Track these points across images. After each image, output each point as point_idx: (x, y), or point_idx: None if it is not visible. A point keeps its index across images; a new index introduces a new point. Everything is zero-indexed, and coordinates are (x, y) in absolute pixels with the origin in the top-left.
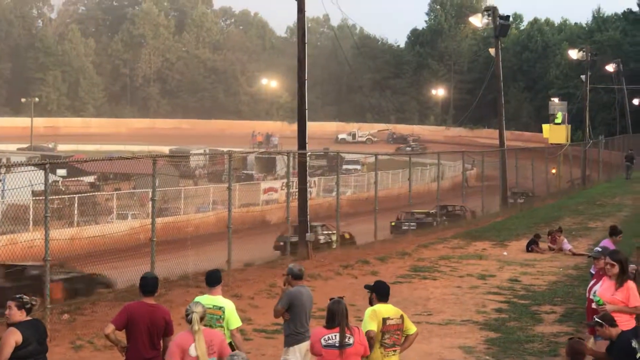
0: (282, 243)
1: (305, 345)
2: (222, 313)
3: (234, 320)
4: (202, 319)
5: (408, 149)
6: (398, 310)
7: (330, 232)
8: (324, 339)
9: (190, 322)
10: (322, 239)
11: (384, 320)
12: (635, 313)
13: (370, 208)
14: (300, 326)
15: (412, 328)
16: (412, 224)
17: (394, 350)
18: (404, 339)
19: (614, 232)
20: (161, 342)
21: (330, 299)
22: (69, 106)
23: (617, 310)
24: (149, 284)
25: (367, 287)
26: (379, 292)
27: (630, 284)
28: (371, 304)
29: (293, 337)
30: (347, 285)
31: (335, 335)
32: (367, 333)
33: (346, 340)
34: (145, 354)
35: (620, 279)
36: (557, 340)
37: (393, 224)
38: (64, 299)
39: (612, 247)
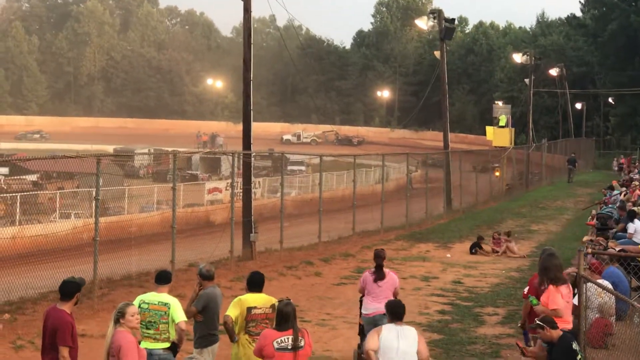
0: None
1: (216, 346)
2: (167, 309)
3: (178, 314)
4: (117, 320)
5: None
6: (270, 299)
7: None
8: (277, 342)
9: None
10: None
11: (249, 309)
12: (554, 316)
13: (314, 209)
14: (212, 328)
15: None
16: None
17: None
18: None
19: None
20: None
21: (279, 301)
22: (12, 104)
23: (542, 311)
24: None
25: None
26: (249, 283)
27: (551, 288)
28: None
29: (206, 339)
30: (290, 286)
31: (287, 338)
32: (224, 318)
33: (299, 342)
34: (43, 356)
35: (546, 281)
36: (499, 341)
37: None
38: None
39: None
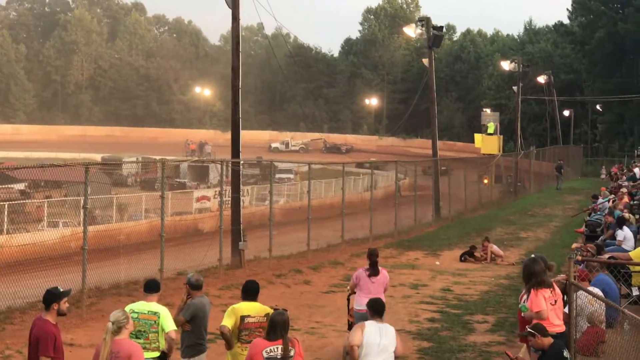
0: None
1: (204, 355)
2: (157, 318)
3: (168, 323)
4: (118, 328)
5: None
6: (265, 308)
7: None
8: (266, 351)
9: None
10: None
11: (242, 318)
12: (538, 318)
13: (303, 217)
14: (200, 337)
15: None
16: None
17: None
18: None
19: None
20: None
21: (274, 309)
22: None
23: (530, 317)
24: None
25: None
26: (244, 291)
27: (532, 292)
28: None
29: (194, 348)
30: (279, 294)
31: (277, 348)
32: (220, 328)
33: (288, 352)
34: None
35: (528, 287)
36: (489, 349)
37: None
38: None
39: None
